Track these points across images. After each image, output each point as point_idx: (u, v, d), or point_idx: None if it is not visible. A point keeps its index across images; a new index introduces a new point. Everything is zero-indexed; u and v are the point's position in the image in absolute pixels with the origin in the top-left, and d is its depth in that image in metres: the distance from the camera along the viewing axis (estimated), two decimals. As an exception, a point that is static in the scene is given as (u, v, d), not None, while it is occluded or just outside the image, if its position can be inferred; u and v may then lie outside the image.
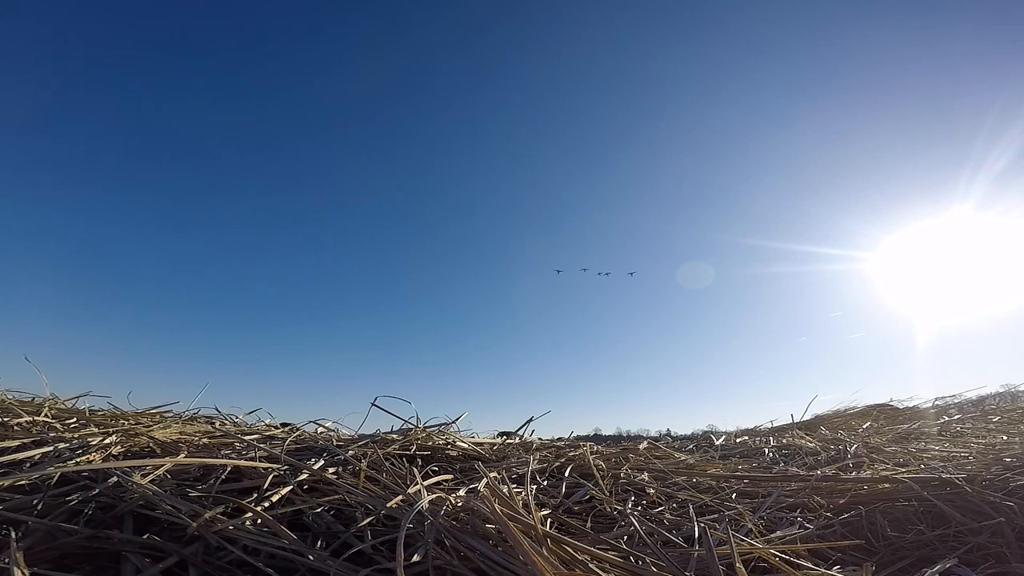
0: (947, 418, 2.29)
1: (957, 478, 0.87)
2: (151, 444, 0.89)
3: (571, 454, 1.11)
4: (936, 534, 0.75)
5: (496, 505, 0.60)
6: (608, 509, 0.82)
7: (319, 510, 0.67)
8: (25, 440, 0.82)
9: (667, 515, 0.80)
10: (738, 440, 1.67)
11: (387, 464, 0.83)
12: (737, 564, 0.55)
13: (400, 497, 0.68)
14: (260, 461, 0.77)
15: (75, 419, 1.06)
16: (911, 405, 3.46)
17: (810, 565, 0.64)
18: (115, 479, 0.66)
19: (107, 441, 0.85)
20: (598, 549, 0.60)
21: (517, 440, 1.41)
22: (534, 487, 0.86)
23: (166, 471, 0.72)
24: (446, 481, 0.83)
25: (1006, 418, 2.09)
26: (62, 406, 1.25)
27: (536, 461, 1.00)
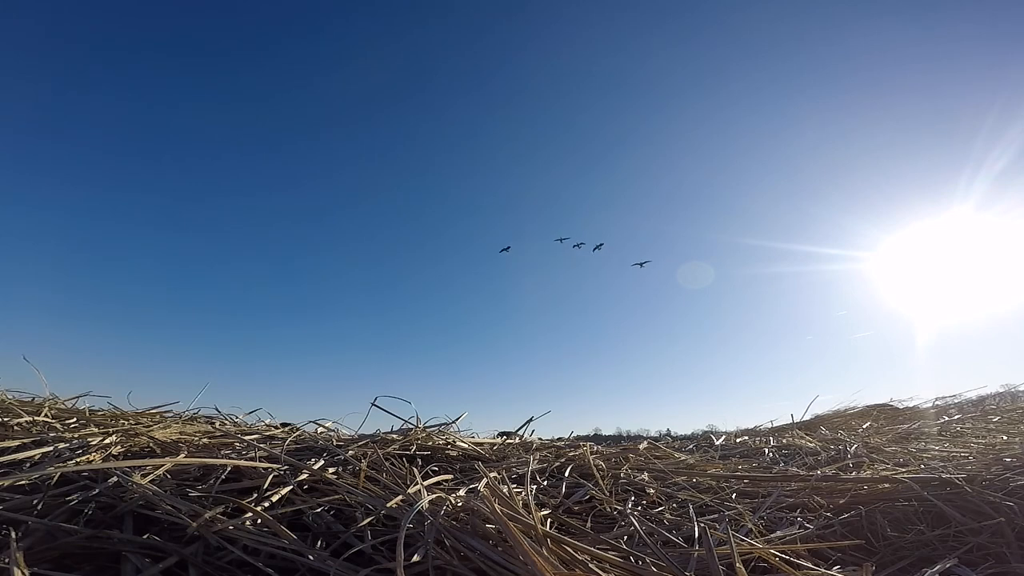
0: (947, 418, 2.29)
1: (957, 478, 0.87)
2: (151, 444, 0.89)
3: (571, 454, 1.11)
4: (936, 534, 0.75)
5: (496, 505, 0.60)
6: (608, 509, 0.81)
7: (319, 510, 0.67)
8: (25, 440, 0.82)
9: (667, 515, 0.80)
10: (738, 440, 1.67)
11: (387, 464, 0.83)
12: (737, 564, 0.55)
13: (400, 497, 0.68)
14: (260, 461, 0.77)
15: (75, 419, 1.06)
16: (911, 405, 3.46)
17: (810, 565, 0.64)
18: (115, 479, 0.66)
19: (107, 441, 0.85)
20: (598, 549, 0.60)
21: (517, 440, 1.41)
22: (534, 487, 0.86)
23: (166, 471, 0.72)
24: (446, 481, 0.83)
25: (1006, 418, 2.09)
26: (62, 406, 1.25)
27: (536, 461, 1.00)
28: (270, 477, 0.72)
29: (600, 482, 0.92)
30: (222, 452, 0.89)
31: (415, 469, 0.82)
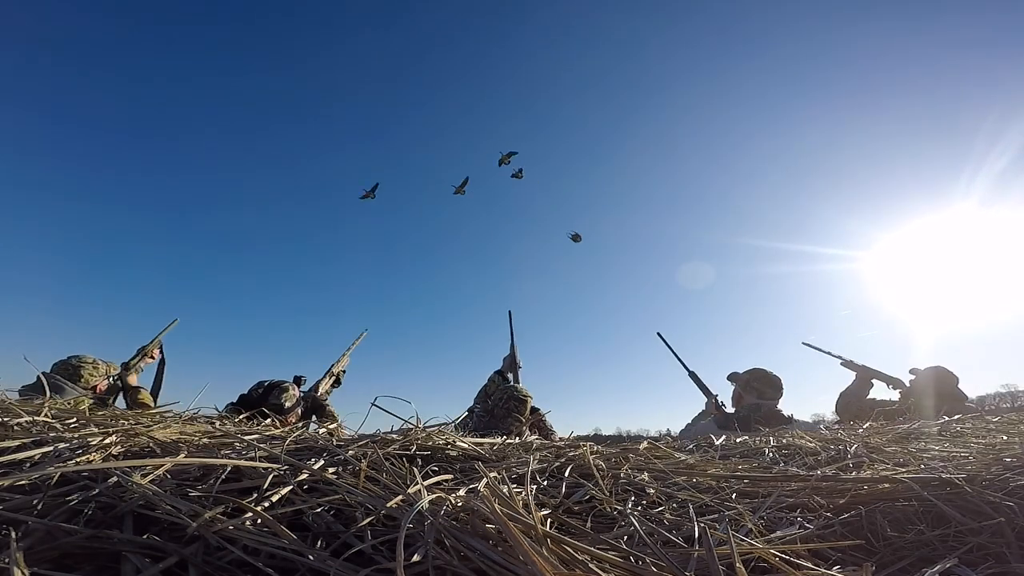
0: (947, 418, 2.29)
1: (957, 478, 0.87)
2: (151, 444, 0.89)
3: (571, 454, 1.11)
4: (936, 534, 0.75)
5: (496, 505, 0.60)
6: (608, 509, 0.81)
7: (319, 510, 0.67)
8: (25, 440, 0.82)
9: (667, 515, 0.80)
10: (738, 440, 1.67)
11: (387, 464, 0.83)
12: (737, 564, 0.55)
13: (400, 497, 0.68)
14: (260, 461, 0.77)
15: (75, 419, 1.06)
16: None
17: (810, 565, 0.64)
18: (115, 479, 0.66)
19: (107, 441, 0.85)
20: (598, 549, 0.60)
21: (517, 440, 1.41)
22: (534, 487, 0.85)
23: (166, 471, 0.72)
24: (446, 481, 0.83)
25: (1006, 418, 2.09)
26: (62, 406, 1.25)
27: (536, 461, 1.00)
28: (270, 477, 0.72)
29: (600, 482, 0.92)
30: (222, 452, 0.88)
31: (415, 469, 0.82)
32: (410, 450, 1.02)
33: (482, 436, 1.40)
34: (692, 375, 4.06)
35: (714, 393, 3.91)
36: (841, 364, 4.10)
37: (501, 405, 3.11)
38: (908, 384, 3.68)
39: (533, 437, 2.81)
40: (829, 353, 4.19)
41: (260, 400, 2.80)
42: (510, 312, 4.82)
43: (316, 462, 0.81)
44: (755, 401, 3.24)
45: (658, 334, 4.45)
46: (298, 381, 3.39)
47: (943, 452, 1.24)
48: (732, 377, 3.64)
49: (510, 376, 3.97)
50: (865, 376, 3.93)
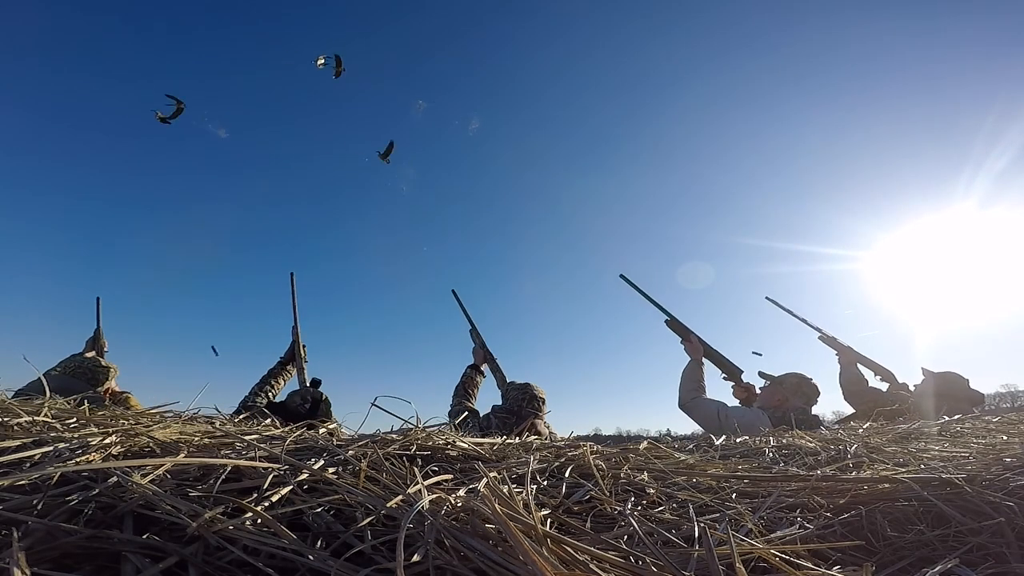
0: (947, 418, 2.29)
1: (957, 478, 0.87)
2: (151, 444, 0.89)
3: (571, 454, 1.11)
4: (936, 534, 0.75)
5: (496, 505, 0.60)
6: (608, 509, 0.81)
7: (319, 510, 0.67)
8: (25, 440, 0.82)
9: (667, 515, 0.80)
10: (738, 440, 1.67)
11: (387, 464, 0.83)
12: (737, 564, 0.55)
13: (400, 497, 0.68)
14: (260, 461, 0.77)
15: (75, 419, 1.06)
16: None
17: (810, 565, 0.64)
18: (115, 479, 0.66)
19: (107, 441, 0.85)
20: (598, 549, 0.60)
21: (517, 440, 1.41)
22: (534, 487, 0.85)
23: (166, 471, 0.72)
24: (446, 481, 0.83)
25: (1006, 418, 2.09)
26: (62, 406, 1.25)
27: (536, 461, 1.00)
28: (270, 477, 0.72)
29: (600, 482, 0.92)
30: (222, 452, 0.88)
31: (415, 469, 0.82)
32: (410, 450, 1.02)
33: (483, 436, 1.40)
34: (699, 336, 3.68)
35: (741, 370, 3.62)
36: (819, 338, 4.05)
37: (525, 406, 3.11)
38: (917, 384, 3.67)
39: (533, 437, 2.81)
40: (804, 321, 4.10)
41: (309, 415, 2.87)
42: (454, 291, 4.25)
43: (316, 462, 0.81)
44: (802, 406, 3.19)
45: (621, 276, 4.12)
46: (317, 383, 3.42)
47: (943, 452, 1.24)
48: (766, 375, 3.52)
49: (485, 369, 3.80)
50: (849, 359, 3.90)
